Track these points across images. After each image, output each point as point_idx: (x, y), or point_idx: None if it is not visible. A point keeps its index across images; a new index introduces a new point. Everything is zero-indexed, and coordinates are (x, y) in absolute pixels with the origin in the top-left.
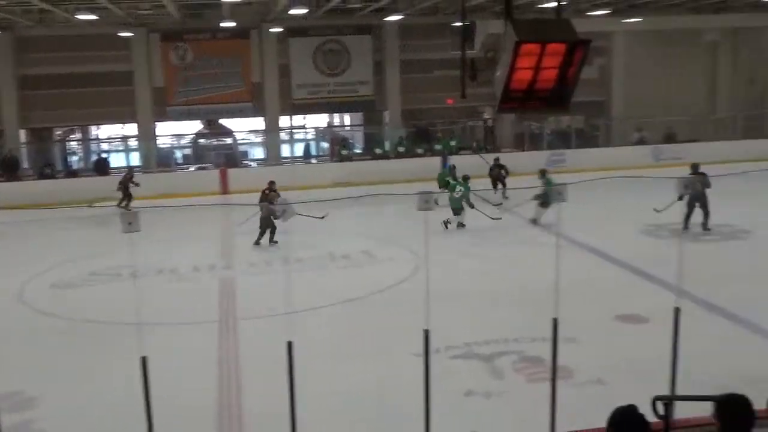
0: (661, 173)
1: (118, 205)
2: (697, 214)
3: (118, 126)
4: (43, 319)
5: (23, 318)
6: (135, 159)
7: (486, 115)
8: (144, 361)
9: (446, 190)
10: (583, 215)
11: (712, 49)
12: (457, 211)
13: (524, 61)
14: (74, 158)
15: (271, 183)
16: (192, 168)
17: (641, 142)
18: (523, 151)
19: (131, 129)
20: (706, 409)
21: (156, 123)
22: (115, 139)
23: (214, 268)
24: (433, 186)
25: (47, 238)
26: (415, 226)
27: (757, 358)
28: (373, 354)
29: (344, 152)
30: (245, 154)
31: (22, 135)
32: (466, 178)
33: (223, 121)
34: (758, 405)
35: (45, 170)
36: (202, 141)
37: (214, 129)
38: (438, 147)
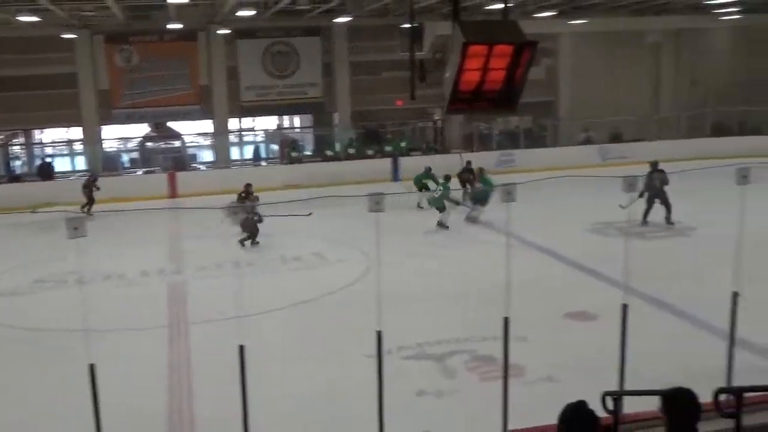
0: (607, 172)
1: (82, 210)
2: (657, 211)
3: (63, 130)
4: None
5: None
6: (80, 163)
7: (436, 116)
8: (92, 369)
9: (424, 192)
10: (531, 215)
11: (656, 51)
12: (441, 209)
13: (472, 63)
14: (17, 163)
15: (248, 186)
16: (139, 172)
17: (588, 141)
18: (473, 151)
19: (76, 133)
20: (654, 404)
21: (102, 126)
22: (59, 143)
23: (164, 273)
24: (384, 187)
25: None
26: (366, 228)
27: (704, 353)
28: (325, 356)
29: (294, 154)
30: (194, 157)
31: None
32: (447, 178)
33: (171, 124)
34: (704, 398)
35: None
36: (149, 144)
37: (161, 132)
38: (388, 148)
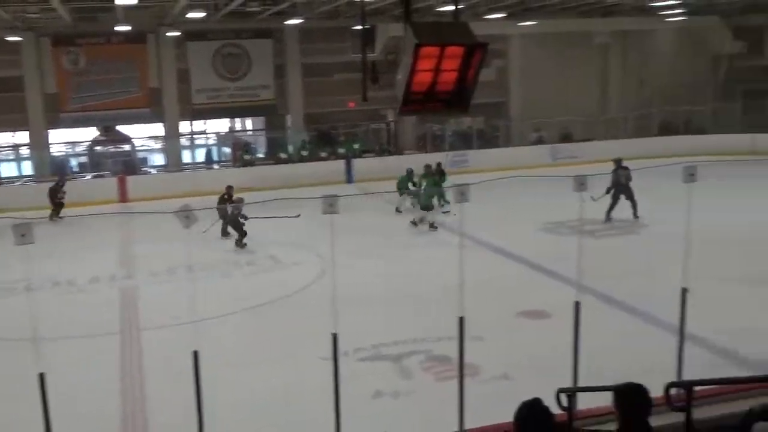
0: (558, 172)
1: (53, 217)
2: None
3: (9, 134)
4: None
5: None
6: (27, 168)
7: (389, 118)
8: (42, 378)
9: (407, 193)
10: (485, 215)
11: (604, 52)
12: (428, 207)
13: (424, 64)
14: None
15: (229, 188)
16: (89, 176)
17: (539, 141)
18: (426, 152)
19: (23, 137)
20: (607, 399)
21: (49, 130)
22: (5, 147)
23: (115, 279)
24: (338, 189)
25: None
26: (320, 230)
27: (655, 348)
28: (281, 359)
29: (247, 157)
30: (145, 160)
31: None
32: (442, 174)
33: (121, 128)
34: (655, 393)
35: None
36: (98, 148)
37: (111, 136)
38: (341, 150)
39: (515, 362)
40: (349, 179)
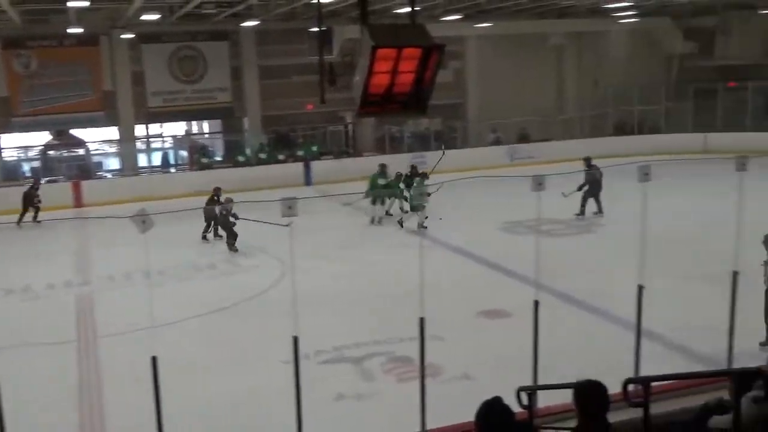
0: (516, 172)
1: (34, 220)
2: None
3: None
4: None
5: None
6: None
7: (347, 120)
8: None
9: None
10: (444, 215)
11: (559, 53)
12: (418, 207)
13: (381, 66)
14: None
15: (217, 189)
16: (42, 181)
17: (497, 142)
18: (385, 154)
19: None
20: (566, 397)
21: (0, 135)
22: None
23: (71, 285)
24: (297, 192)
25: None
26: (280, 233)
27: (612, 345)
28: (242, 363)
29: (204, 160)
30: (99, 165)
31: None
32: (424, 176)
33: (75, 132)
34: (614, 389)
35: None
36: (51, 153)
37: (64, 140)
38: (300, 153)
39: (476, 362)
40: (308, 181)
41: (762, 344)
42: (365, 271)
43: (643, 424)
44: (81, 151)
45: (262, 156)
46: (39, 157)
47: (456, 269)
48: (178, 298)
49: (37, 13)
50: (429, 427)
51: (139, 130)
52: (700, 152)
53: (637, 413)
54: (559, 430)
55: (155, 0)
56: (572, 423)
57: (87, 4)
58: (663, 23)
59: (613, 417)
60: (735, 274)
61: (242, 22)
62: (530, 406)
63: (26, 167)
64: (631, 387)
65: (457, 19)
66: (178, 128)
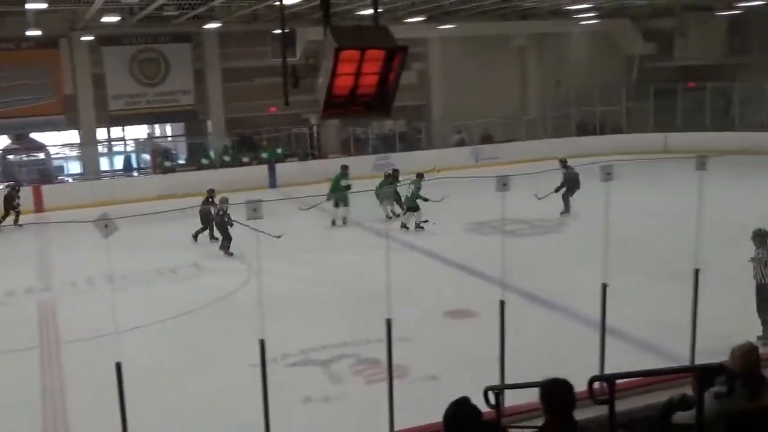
0: (480, 173)
1: (15, 223)
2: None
3: None
4: None
5: None
6: None
7: (312, 122)
8: None
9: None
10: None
11: (521, 54)
12: (414, 208)
13: (345, 67)
14: None
15: (210, 191)
16: (0, 186)
17: (461, 143)
18: (350, 156)
19: None
20: (533, 396)
21: None
22: None
23: (32, 291)
24: (261, 194)
25: None
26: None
27: (578, 343)
28: (208, 368)
29: (167, 164)
30: (60, 169)
31: None
32: (420, 176)
33: (35, 135)
34: (579, 387)
35: None
36: (10, 157)
37: (24, 144)
38: (264, 155)
39: (443, 362)
40: (273, 184)
41: (759, 338)
42: (330, 273)
43: (609, 421)
44: (41, 155)
45: (226, 159)
46: None
47: (422, 270)
48: (142, 302)
49: None
50: (397, 428)
51: (101, 133)
52: (660, 152)
53: (602, 410)
54: (527, 428)
55: (115, 2)
56: (539, 421)
57: (45, 6)
58: (622, 25)
59: (580, 415)
60: (697, 272)
61: (204, 24)
62: (498, 406)
63: None
64: (596, 385)
65: (420, 21)
66: (141, 131)
